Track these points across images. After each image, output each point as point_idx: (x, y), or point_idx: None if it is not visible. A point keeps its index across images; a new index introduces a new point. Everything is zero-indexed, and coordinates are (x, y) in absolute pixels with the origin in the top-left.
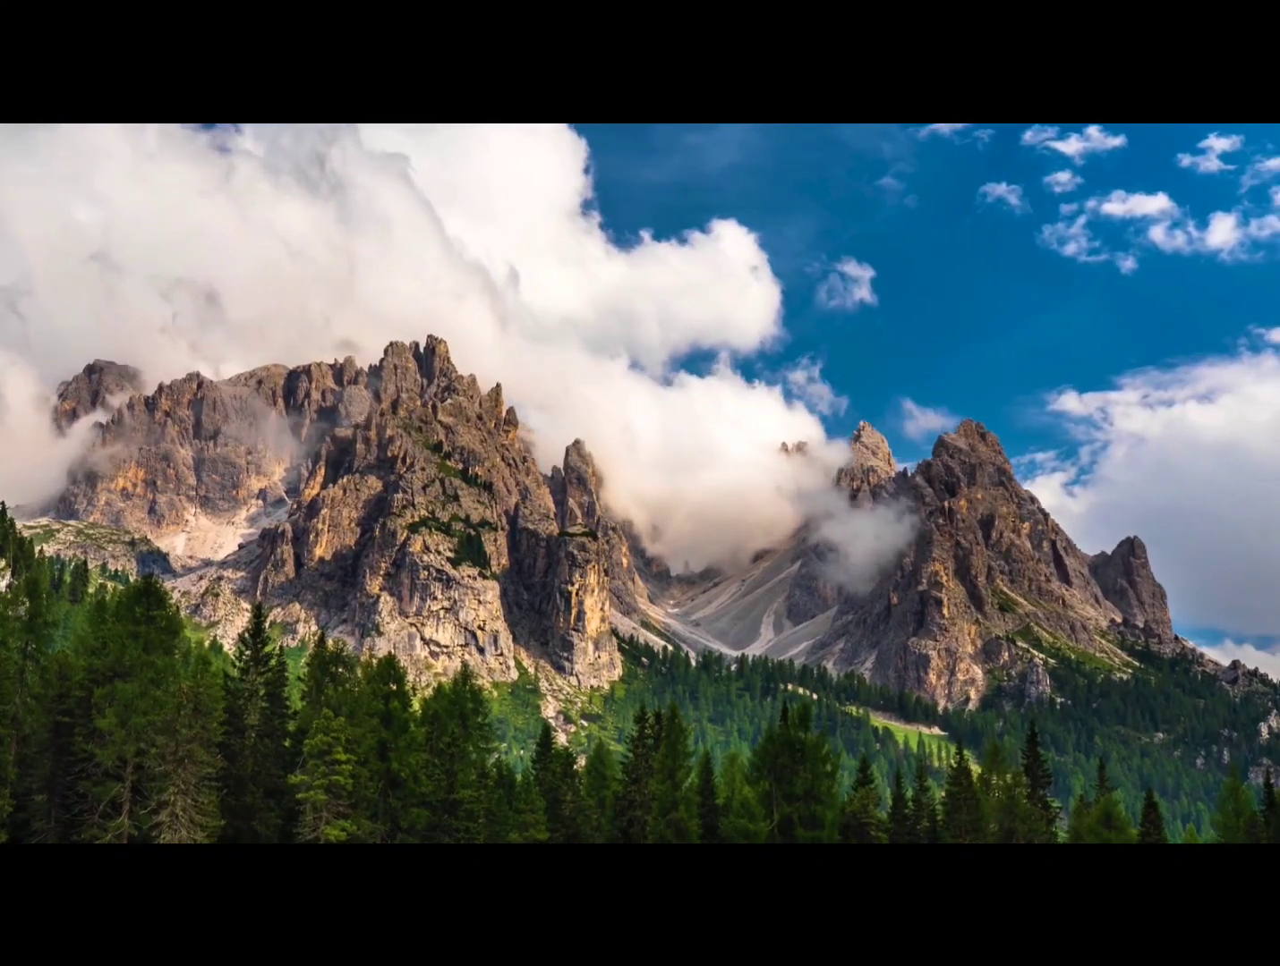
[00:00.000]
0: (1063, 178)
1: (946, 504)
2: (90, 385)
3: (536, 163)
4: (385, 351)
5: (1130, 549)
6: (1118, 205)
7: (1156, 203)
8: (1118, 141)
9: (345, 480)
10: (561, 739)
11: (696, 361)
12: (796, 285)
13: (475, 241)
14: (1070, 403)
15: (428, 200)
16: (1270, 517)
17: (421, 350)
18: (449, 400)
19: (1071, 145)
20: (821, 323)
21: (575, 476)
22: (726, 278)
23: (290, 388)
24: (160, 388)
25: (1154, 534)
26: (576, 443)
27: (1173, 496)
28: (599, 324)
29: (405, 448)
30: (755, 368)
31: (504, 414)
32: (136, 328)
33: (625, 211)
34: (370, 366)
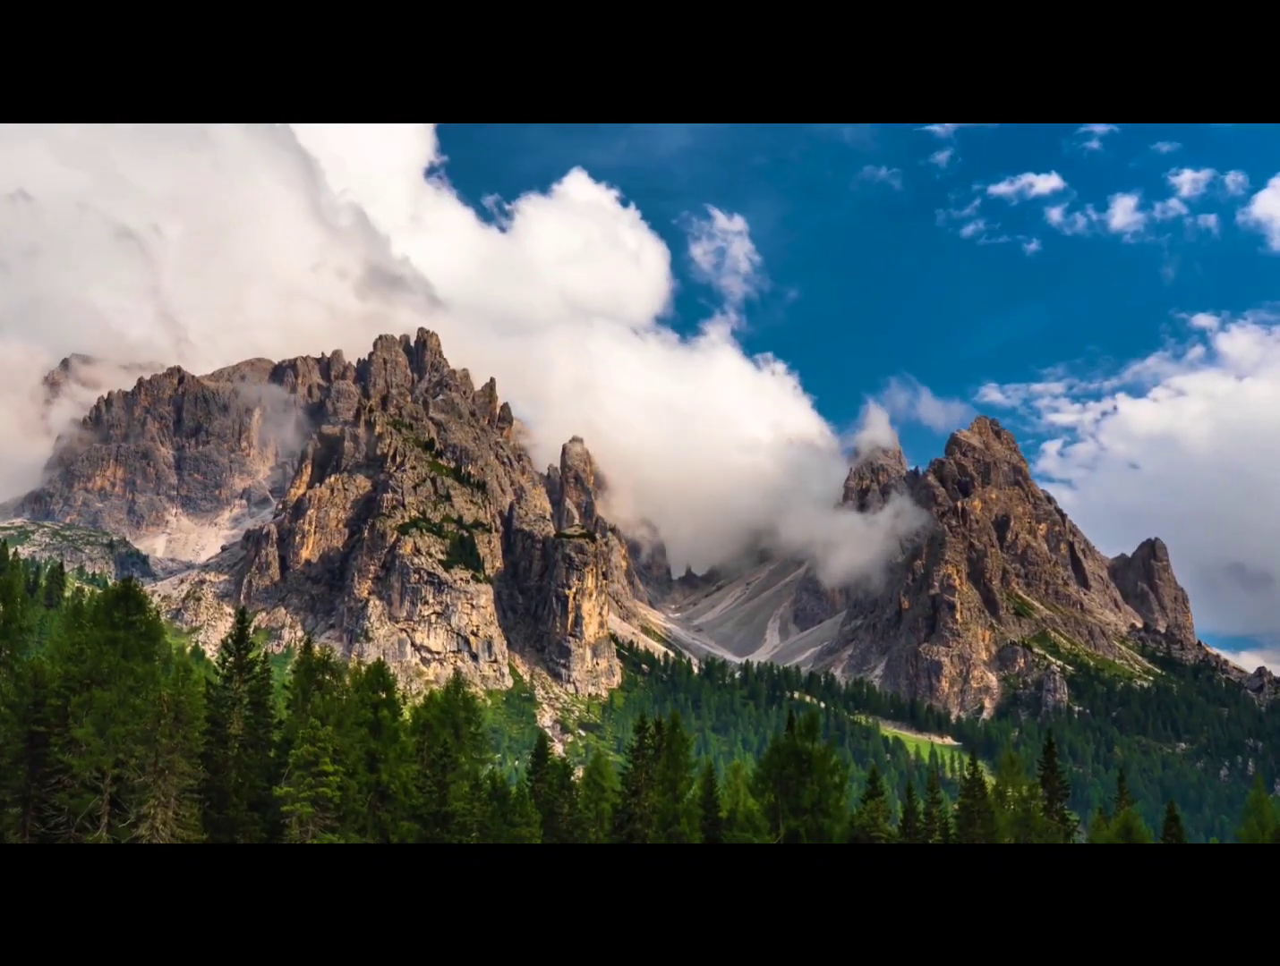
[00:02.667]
0: (940, 158)
1: (960, 504)
2: (66, 379)
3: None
4: (375, 345)
5: (1151, 551)
6: (1006, 186)
7: (1049, 183)
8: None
9: (333, 479)
10: (558, 749)
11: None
12: (678, 245)
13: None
14: (993, 395)
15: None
16: (1215, 512)
17: (412, 343)
18: (441, 396)
19: (943, 125)
20: (719, 299)
21: (572, 476)
22: (615, 247)
23: (275, 383)
24: (140, 382)
25: (1107, 532)
26: (574, 440)
27: (1116, 491)
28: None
29: (395, 446)
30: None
31: (498, 411)
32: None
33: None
34: (359, 360)
